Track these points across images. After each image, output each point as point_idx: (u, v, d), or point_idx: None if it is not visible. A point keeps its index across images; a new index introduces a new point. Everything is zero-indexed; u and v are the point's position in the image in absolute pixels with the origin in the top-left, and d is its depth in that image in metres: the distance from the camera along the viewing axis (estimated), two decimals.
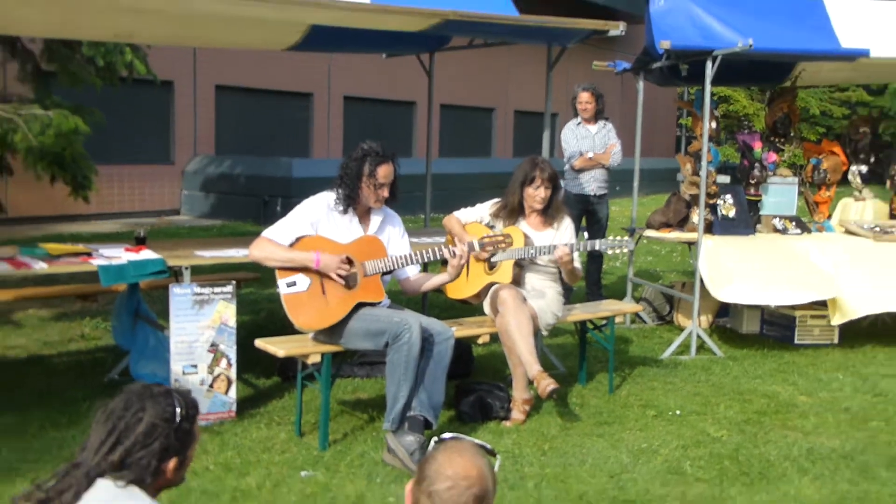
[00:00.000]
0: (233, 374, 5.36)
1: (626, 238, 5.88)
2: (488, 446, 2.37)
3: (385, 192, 4.99)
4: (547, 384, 5.02)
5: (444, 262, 5.60)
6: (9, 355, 6.77)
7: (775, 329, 7.70)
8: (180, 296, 5.24)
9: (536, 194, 5.57)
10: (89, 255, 5.42)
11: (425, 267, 5.58)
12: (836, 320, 7.21)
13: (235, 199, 16.33)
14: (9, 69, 9.69)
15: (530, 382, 5.23)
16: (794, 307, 7.39)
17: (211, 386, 5.30)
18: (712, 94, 6.99)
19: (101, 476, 2.43)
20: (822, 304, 7.28)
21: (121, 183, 16.02)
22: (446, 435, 2.42)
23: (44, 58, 8.69)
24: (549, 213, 5.67)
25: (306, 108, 19.83)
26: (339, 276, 4.83)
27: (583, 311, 6.24)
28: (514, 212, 5.67)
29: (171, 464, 2.53)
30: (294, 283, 4.86)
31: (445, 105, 22.53)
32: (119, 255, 5.38)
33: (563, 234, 5.68)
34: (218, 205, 16.68)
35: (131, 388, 2.59)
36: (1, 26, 5.90)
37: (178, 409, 2.55)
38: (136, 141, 16.49)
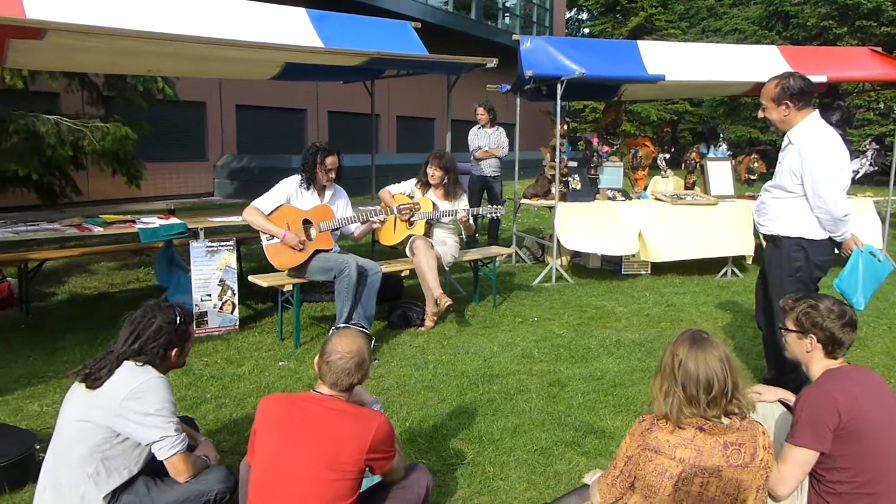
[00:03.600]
0: (235, 300, 5.50)
1: (499, 206, 6.10)
2: (368, 332, 2.59)
3: (332, 175, 5.14)
4: (445, 301, 5.24)
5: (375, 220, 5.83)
6: (85, 293, 6.83)
7: (610, 264, 7.96)
8: (197, 248, 5.37)
9: (432, 173, 5.74)
10: (133, 221, 5.51)
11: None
12: (646, 259, 7.53)
13: (252, 184, 16.17)
14: (83, 96, 9.55)
15: (436, 301, 5.43)
16: None
17: (221, 308, 5.44)
18: (584, 106, 7.16)
19: (126, 359, 2.61)
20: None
21: (170, 174, 15.85)
22: (341, 325, 2.63)
23: (104, 87, 8.61)
24: (448, 189, 5.84)
25: (302, 120, 19.66)
26: (296, 247, 4.96)
27: (474, 253, 6.43)
28: (425, 186, 5.85)
29: (174, 352, 2.72)
30: (272, 238, 5.01)
31: (401, 116, 22.49)
32: (154, 221, 5.48)
33: (459, 203, 5.86)
34: (240, 188, 16.55)
35: (147, 302, 2.75)
36: (65, 65, 5.92)
37: (177, 317, 2.73)
38: (182, 144, 16.31)
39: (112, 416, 2.49)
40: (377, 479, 2.67)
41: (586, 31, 39.40)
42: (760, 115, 3.68)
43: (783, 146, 3.65)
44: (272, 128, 18.81)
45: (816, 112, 3.57)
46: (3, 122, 6.86)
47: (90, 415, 2.51)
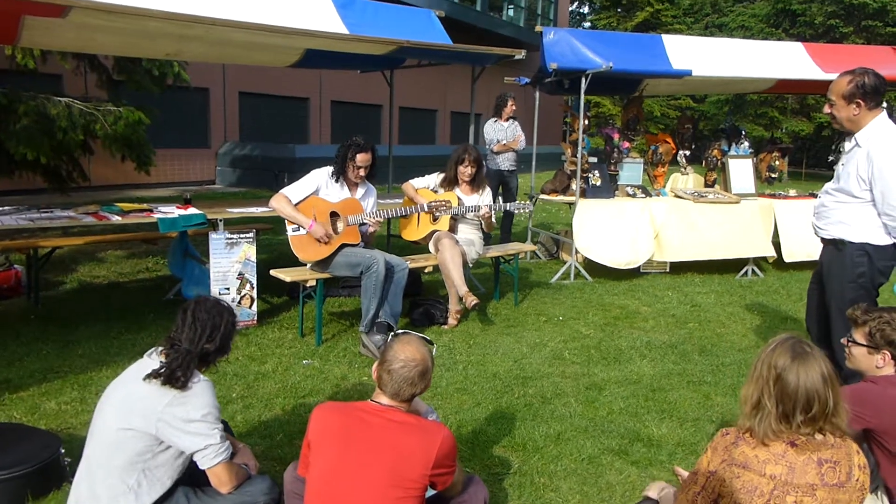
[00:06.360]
0: (254, 294, 5.33)
1: (527, 202, 5.93)
2: (428, 338, 2.42)
3: (362, 172, 4.95)
4: (471, 300, 5.08)
5: (403, 216, 5.63)
6: (95, 282, 6.64)
7: None
8: (217, 239, 5.19)
9: (466, 170, 5.57)
10: (151, 211, 5.32)
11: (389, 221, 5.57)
12: (663, 258, 7.40)
13: (254, 172, 15.96)
14: (89, 78, 9.29)
15: (460, 299, 5.28)
16: None
17: (239, 302, 5.27)
18: (586, 101, 7.00)
19: (206, 355, 2.45)
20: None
21: (172, 161, 15.59)
22: (400, 331, 2.46)
23: (115, 70, 8.36)
24: (475, 184, 5.67)
25: (305, 108, 19.42)
26: (322, 240, 4.81)
27: (496, 250, 6.26)
28: (451, 182, 5.66)
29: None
30: (298, 228, 4.84)
31: (403, 107, 22.24)
32: (172, 211, 5.28)
33: (485, 198, 5.69)
34: (242, 177, 16.31)
35: (204, 300, 2.53)
36: (82, 46, 5.68)
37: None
38: (183, 131, 16.03)
39: (154, 422, 2.31)
40: (430, 491, 2.52)
41: (587, 25, 39.17)
42: (826, 110, 3.51)
43: (848, 148, 3.49)
44: (275, 116, 18.58)
45: (885, 113, 3.41)
46: (12, 103, 6.62)
47: (131, 422, 2.32)
